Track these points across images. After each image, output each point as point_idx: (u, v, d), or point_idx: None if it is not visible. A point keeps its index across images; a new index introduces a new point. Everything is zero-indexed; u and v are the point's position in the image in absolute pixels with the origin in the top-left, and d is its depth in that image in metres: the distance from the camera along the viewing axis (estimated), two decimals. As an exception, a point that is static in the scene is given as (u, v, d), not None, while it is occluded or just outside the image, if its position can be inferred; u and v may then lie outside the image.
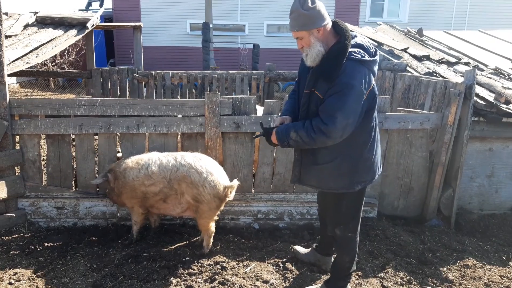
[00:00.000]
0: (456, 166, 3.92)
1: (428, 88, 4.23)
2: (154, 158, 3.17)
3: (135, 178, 3.11)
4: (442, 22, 14.72)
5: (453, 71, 4.99)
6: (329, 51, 2.28)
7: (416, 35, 6.88)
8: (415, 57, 5.43)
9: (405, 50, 5.65)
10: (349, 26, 6.96)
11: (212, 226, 3.18)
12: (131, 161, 3.20)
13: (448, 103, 3.79)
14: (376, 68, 2.38)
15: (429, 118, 3.79)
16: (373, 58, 2.34)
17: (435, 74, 4.76)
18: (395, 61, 5.28)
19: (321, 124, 2.25)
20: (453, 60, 5.37)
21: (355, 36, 2.38)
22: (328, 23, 2.31)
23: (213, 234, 3.20)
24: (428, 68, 4.92)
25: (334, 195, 2.57)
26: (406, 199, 3.98)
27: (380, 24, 7.68)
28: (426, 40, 6.57)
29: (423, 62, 5.25)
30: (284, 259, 3.11)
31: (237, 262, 3.05)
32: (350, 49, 2.26)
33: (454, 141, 3.85)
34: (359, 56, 2.26)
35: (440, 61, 5.33)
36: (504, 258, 3.44)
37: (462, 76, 4.58)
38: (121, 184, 3.18)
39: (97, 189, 3.68)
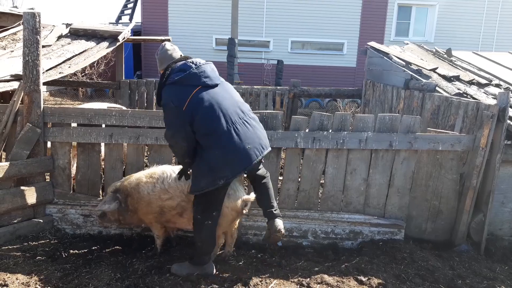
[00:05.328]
0: (488, 190, 3.80)
1: (459, 109, 4.15)
2: (168, 172, 3.14)
3: (150, 193, 3.09)
4: (469, 43, 14.56)
5: (484, 92, 4.88)
6: None
7: (445, 55, 6.79)
8: (444, 77, 5.34)
9: (434, 70, 5.58)
10: (375, 45, 6.92)
11: (223, 237, 3.22)
12: (144, 175, 3.17)
13: (480, 125, 3.70)
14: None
15: (460, 140, 3.70)
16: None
17: (465, 95, 4.67)
18: (424, 80, 5.21)
19: None
20: (483, 81, 5.26)
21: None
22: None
23: (221, 245, 3.25)
24: (458, 89, 4.83)
25: None
26: (434, 222, 3.87)
27: (407, 43, 7.62)
28: (455, 61, 6.47)
29: (453, 82, 5.17)
30: (308, 279, 3.04)
31: (260, 279, 3.00)
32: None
33: (486, 164, 3.74)
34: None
35: (471, 82, 5.23)
36: (538, 289, 3.29)
37: (494, 98, 4.48)
38: (136, 200, 3.13)
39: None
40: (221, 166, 2.72)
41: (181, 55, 2.95)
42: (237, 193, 3.07)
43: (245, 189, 3.54)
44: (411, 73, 5.52)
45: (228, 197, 3.01)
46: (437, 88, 4.92)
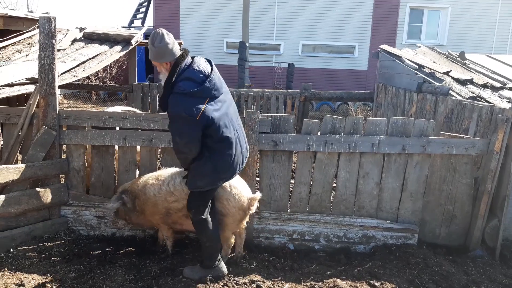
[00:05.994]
0: (502, 195, 3.75)
1: (473, 113, 4.11)
2: (174, 174, 3.19)
3: (156, 194, 3.14)
4: (482, 46, 14.38)
5: (498, 96, 4.83)
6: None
7: (458, 58, 6.74)
8: (457, 80, 5.30)
9: (447, 73, 5.54)
10: (387, 48, 6.88)
11: (233, 237, 3.25)
12: (151, 177, 3.24)
13: (495, 129, 3.65)
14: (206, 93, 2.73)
15: (474, 144, 3.66)
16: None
17: (479, 98, 4.63)
18: (437, 84, 5.17)
19: None
20: (497, 85, 5.21)
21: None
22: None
23: (232, 245, 3.26)
24: (472, 93, 4.79)
25: None
26: (448, 227, 3.83)
27: (419, 46, 7.58)
28: (468, 64, 6.41)
29: (466, 86, 5.12)
30: (321, 283, 3.04)
31: (272, 282, 3.00)
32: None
33: (501, 168, 3.70)
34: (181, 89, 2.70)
35: (484, 86, 5.18)
36: (555, 295, 3.23)
37: (508, 102, 4.43)
38: (142, 202, 3.19)
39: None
40: (225, 169, 2.86)
41: (180, 49, 2.88)
42: (243, 193, 3.10)
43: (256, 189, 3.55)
44: (423, 76, 5.49)
45: (234, 197, 3.05)
46: (450, 91, 4.89)
